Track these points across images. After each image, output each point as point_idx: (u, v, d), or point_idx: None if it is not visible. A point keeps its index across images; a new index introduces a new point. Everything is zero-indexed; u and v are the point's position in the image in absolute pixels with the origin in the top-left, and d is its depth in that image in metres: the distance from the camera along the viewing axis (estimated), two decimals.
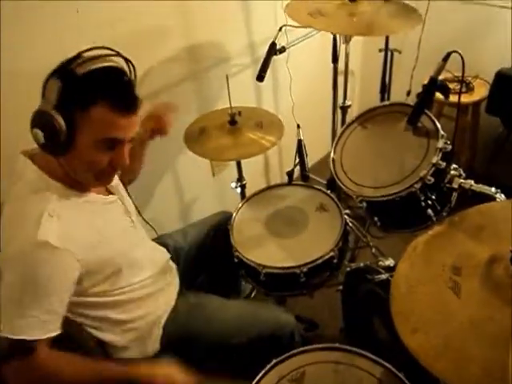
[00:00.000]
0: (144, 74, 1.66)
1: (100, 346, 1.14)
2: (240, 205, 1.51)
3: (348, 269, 1.51)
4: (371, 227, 1.96)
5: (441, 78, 1.45)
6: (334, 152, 1.38)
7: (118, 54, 0.97)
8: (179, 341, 1.21)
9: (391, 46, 2.25)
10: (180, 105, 1.82)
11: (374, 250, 1.89)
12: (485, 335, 0.83)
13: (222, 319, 1.25)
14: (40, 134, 0.92)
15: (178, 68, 1.78)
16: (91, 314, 1.08)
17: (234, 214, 1.47)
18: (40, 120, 0.92)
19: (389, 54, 2.30)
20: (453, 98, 2.14)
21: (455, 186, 1.22)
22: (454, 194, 1.31)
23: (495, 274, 0.89)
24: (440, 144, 1.20)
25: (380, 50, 2.30)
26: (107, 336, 1.14)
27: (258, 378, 1.05)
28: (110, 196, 1.16)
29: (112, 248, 1.07)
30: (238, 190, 1.73)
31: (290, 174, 1.53)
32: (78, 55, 0.93)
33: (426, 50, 2.27)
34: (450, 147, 1.21)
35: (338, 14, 1.44)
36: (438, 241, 1.08)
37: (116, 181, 1.19)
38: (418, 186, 1.20)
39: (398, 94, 2.45)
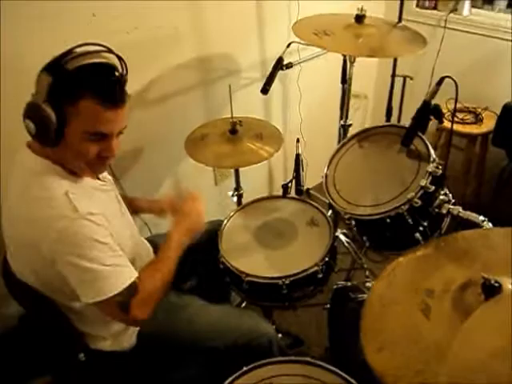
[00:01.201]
0: (155, 79, 1.71)
1: (79, 335, 1.17)
2: (232, 213, 1.53)
3: (335, 286, 1.51)
4: (369, 251, 1.96)
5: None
6: (328, 168, 1.40)
7: (110, 51, 0.99)
8: (156, 337, 1.22)
9: (404, 72, 2.28)
10: (187, 112, 1.88)
11: (367, 272, 1.88)
12: (447, 360, 0.81)
13: (201, 321, 1.26)
14: (32, 125, 0.96)
15: (188, 76, 1.83)
16: (75, 305, 1.11)
17: (225, 222, 1.49)
18: (31, 112, 0.96)
19: (401, 79, 2.33)
20: (461, 128, 2.15)
21: (444, 211, 1.21)
22: (446, 220, 1.31)
23: (466, 299, 0.89)
24: (430, 168, 1.20)
25: (392, 75, 2.33)
26: (87, 327, 1.17)
27: None
28: (106, 184, 1.19)
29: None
30: (235, 198, 1.75)
31: (286, 186, 1.54)
32: (70, 51, 0.95)
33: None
34: (440, 172, 1.20)
35: (343, 34, 1.46)
36: (418, 263, 1.08)
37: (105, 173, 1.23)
38: (404, 207, 1.20)
39: (409, 120, 2.46)
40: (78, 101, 0.94)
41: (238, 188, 1.75)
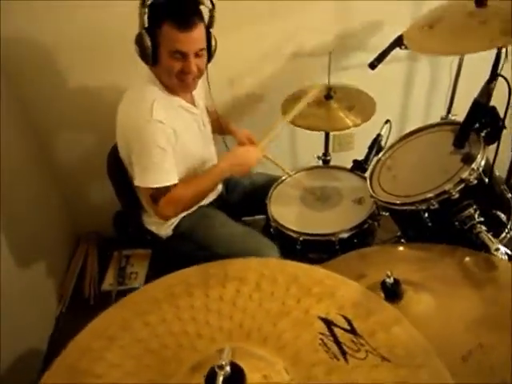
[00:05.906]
0: (292, 34, 1.87)
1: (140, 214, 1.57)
2: (298, 171, 1.65)
3: None
4: None
5: None
6: (384, 154, 1.37)
7: None
8: (184, 234, 1.52)
9: None
10: (312, 74, 1.95)
11: None
12: None
13: (219, 230, 1.51)
14: (137, 49, 1.29)
15: (323, 38, 1.91)
16: None
17: (287, 176, 1.63)
18: (136, 39, 1.28)
19: None
20: None
21: (466, 227, 1.09)
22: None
23: None
24: (464, 174, 1.08)
25: None
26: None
27: None
28: (195, 108, 1.48)
29: (183, 150, 1.38)
30: (320, 162, 1.83)
31: (356, 162, 1.55)
32: None
33: None
34: (474, 182, 1.07)
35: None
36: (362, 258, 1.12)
37: (200, 96, 1.52)
38: (421, 206, 1.13)
39: None
40: (162, 25, 1.24)
41: (325, 154, 1.82)
